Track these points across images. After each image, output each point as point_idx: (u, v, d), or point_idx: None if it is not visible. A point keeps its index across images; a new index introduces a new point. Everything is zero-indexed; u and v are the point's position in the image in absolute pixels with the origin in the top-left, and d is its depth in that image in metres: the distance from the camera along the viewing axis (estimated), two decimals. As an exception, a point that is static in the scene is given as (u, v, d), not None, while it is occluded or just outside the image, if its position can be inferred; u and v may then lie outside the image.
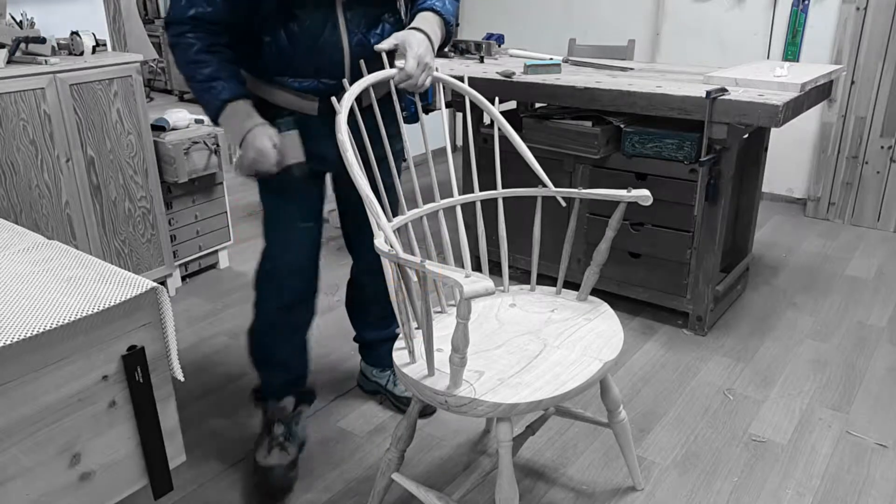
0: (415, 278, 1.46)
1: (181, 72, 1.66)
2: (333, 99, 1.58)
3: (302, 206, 1.87)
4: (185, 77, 1.66)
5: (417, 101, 1.78)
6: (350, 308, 2.26)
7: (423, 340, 1.43)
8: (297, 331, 2.01)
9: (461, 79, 1.83)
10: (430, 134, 1.79)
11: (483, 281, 1.22)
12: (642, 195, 1.67)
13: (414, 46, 1.61)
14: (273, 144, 1.64)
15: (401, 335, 1.57)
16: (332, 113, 1.57)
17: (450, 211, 1.81)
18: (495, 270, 2.52)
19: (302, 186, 1.81)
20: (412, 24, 1.69)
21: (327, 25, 1.66)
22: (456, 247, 2.13)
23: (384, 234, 1.46)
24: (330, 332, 2.67)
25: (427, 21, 1.69)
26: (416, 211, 1.75)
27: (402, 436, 1.69)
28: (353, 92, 1.58)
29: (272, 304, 1.94)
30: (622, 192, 1.70)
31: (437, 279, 1.30)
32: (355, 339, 2.31)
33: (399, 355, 1.55)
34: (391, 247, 1.42)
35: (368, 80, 1.63)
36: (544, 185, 1.82)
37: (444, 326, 1.68)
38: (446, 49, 2.77)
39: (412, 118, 1.88)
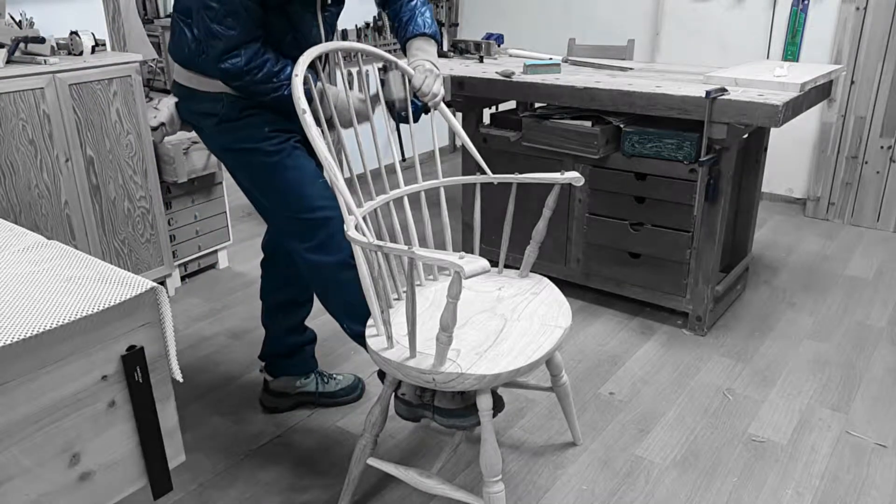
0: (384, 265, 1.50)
1: (265, 89, 1.70)
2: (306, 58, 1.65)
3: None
4: (271, 90, 1.70)
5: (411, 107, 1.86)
6: (275, 318, 2.14)
7: (408, 324, 1.49)
8: None
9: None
10: (434, 133, 1.80)
11: (479, 261, 1.30)
12: (574, 177, 1.82)
13: (436, 84, 1.81)
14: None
15: (371, 322, 1.65)
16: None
17: (414, 202, 1.82)
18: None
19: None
20: (424, 56, 1.84)
21: (312, 28, 1.81)
22: (405, 232, 2.10)
23: (356, 219, 1.53)
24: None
25: (430, 50, 1.87)
26: (372, 202, 1.77)
27: (376, 421, 1.72)
28: (312, 53, 1.66)
29: (347, 251, 1.79)
30: (556, 175, 1.84)
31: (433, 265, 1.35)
32: (270, 356, 2.19)
33: (375, 341, 1.60)
34: (367, 236, 1.48)
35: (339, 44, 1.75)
36: (483, 172, 1.93)
37: (403, 312, 1.70)
38: (446, 49, 2.80)
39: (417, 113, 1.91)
